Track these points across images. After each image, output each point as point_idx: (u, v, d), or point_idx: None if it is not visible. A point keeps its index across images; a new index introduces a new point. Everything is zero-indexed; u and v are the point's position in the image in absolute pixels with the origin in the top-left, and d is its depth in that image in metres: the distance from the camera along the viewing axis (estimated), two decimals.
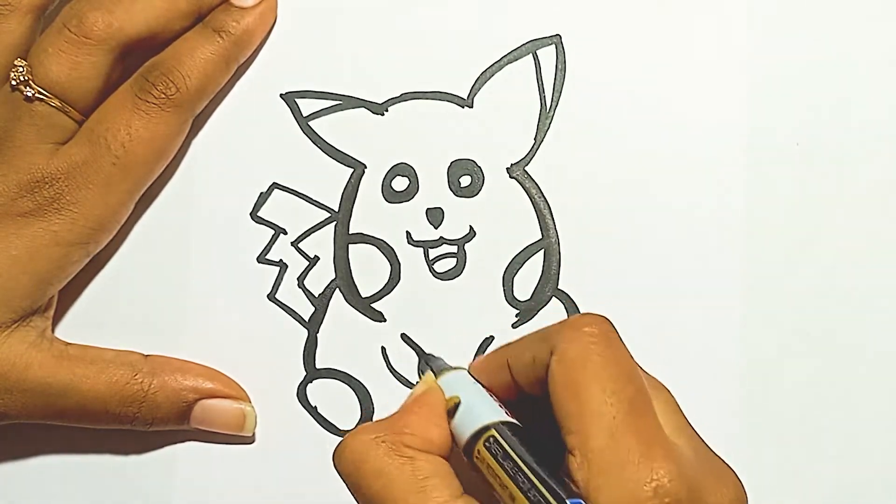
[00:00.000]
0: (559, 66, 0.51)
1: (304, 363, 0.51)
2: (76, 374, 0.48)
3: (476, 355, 0.50)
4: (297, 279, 0.51)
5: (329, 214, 0.51)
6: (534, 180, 0.51)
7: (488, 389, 0.43)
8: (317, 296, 0.51)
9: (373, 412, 0.50)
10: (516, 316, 0.50)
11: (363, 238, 0.51)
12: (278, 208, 0.51)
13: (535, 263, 0.51)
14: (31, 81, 0.47)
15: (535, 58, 0.51)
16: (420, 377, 0.46)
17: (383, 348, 0.51)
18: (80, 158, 0.47)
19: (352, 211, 0.51)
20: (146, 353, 0.50)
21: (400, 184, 0.51)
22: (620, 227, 0.50)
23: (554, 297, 0.50)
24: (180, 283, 0.51)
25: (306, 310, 0.51)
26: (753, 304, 0.50)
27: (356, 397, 0.51)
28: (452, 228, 0.51)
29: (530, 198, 0.51)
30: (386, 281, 0.51)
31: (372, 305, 0.51)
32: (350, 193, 0.51)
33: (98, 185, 0.48)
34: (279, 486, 0.50)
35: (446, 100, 0.51)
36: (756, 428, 0.49)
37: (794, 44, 0.51)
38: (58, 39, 0.47)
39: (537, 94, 0.51)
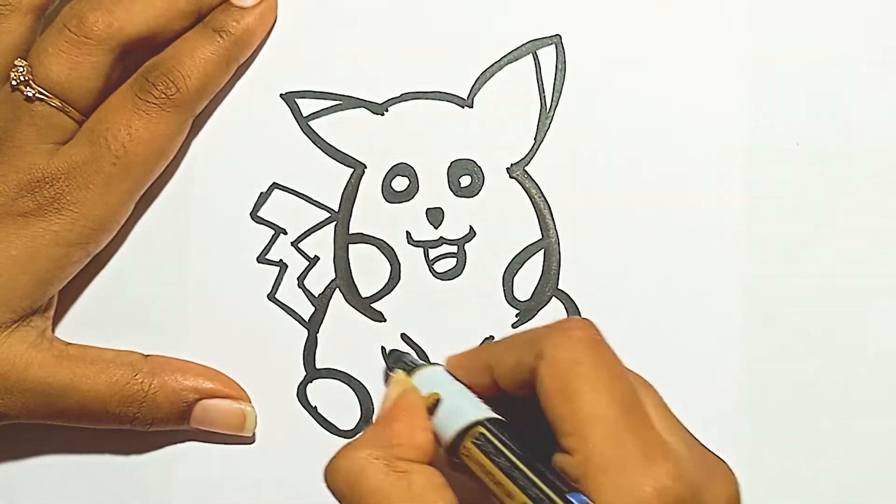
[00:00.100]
0: (559, 66, 0.51)
1: (304, 363, 0.51)
2: (76, 374, 0.48)
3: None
4: (297, 279, 0.51)
5: (329, 214, 0.51)
6: (534, 180, 0.51)
7: (468, 386, 0.43)
8: (317, 296, 0.51)
9: (373, 412, 0.50)
10: (516, 316, 0.50)
11: (363, 238, 0.51)
12: (278, 208, 0.51)
13: (535, 263, 0.51)
14: (31, 81, 0.47)
15: (535, 58, 0.51)
16: (389, 375, 0.45)
17: (383, 348, 0.51)
18: (80, 158, 0.47)
19: (352, 211, 0.51)
20: (146, 353, 0.50)
21: (400, 184, 0.51)
22: (620, 227, 0.50)
23: (554, 297, 0.50)
24: (180, 283, 0.51)
25: (306, 310, 0.51)
26: (753, 304, 0.50)
27: (356, 397, 0.51)
28: (452, 228, 0.51)
29: (530, 198, 0.51)
30: (386, 281, 0.51)
31: (372, 305, 0.51)
32: (350, 193, 0.51)
33: (98, 185, 0.48)
34: (279, 486, 0.50)
35: (446, 100, 0.51)
36: (756, 428, 0.49)
37: (794, 44, 0.51)
38: (58, 39, 0.47)
39: (537, 94, 0.51)
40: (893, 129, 0.50)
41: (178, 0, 0.49)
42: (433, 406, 0.42)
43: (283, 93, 0.51)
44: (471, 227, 0.51)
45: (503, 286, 0.50)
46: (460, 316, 0.50)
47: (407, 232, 0.51)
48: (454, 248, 0.51)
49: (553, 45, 0.51)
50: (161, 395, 0.49)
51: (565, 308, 0.50)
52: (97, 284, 0.51)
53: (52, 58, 0.47)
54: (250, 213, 0.51)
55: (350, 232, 0.51)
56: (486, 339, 0.50)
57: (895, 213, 0.50)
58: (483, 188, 0.51)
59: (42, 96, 0.47)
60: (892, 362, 0.50)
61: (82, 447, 0.50)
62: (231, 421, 0.50)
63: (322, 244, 0.51)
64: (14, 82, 0.48)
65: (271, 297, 0.51)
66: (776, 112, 0.50)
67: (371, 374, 0.50)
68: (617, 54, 0.51)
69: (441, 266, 0.51)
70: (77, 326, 0.51)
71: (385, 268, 0.51)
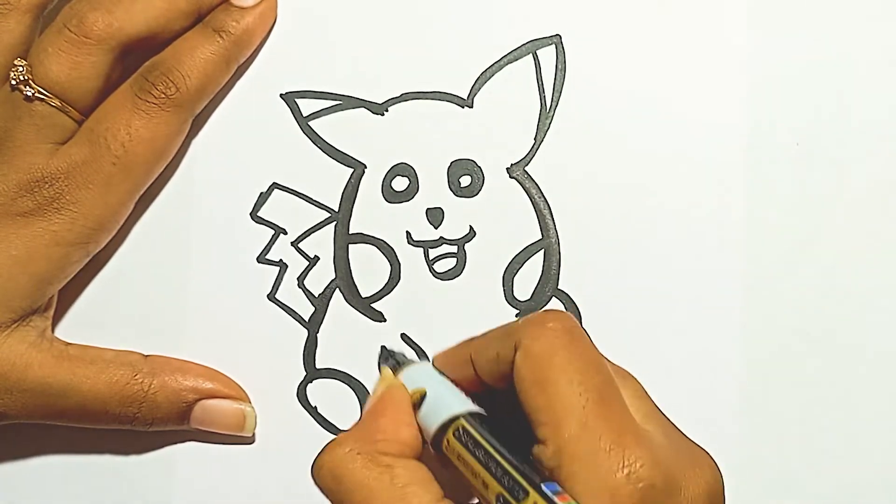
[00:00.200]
0: (559, 66, 0.51)
1: (304, 363, 0.51)
2: (76, 374, 0.48)
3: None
4: (297, 279, 0.51)
5: (329, 214, 0.51)
6: (534, 180, 0.51)
7: (453, 381, 0.43)
8: (317, 296, 0.51)
9: None
10: (516, 316, 0.50)
11: (363, 238, 0.51)
12: (278, 208, 0.51)
13: (535, 263, 0.51)
14: (30, 81, 0.47)
15: (535, 58, 0.51)
16: (379, 371, 0.46)
17: (383, 348, 0.51)
18: (79, 158, 0.47)
19: (352, 211, 0.51)
20: (146, 353, 0.50)
21: (400, 184, 0.51)
22: (620, 227, 0.50)
23: (554, 297, 0.50)
24: (180, 283, 0.51)
25: (306, 310, 0.51)
26: (753, 304, 0.50)
27: (356, 397, 0.51)
28: (452, 228, 0.51)
29: (530, 198, 0.51)
30: (386, 281, 0.51)
31: (372, 305, 0.51)
32: (350, 193, 0.51)
33: (98, 185, 0.48)
34: (279, 486, 0.50)
35: (446, 100, 0.51)
36: (756, 428, 0.49)
37: (794, 44, 0.51)
38: (58, 39, 0.47)
39: (537, 94, 0.51)
40: (893, 129, 0.50)
41: (178, 0, 0.49)
42: (419, 401, 0.42)
43: (283, 93, 0.51)
44: (471, 227, 0.51)
45: (503, 286, 0.51)
46: (460, 316, 0.50)
47: (407, 232, 0.51)
48: (454, 248, 0.51)
49: (553, 45, 0.51)
50: (161, 396, 0.49)
51: (565, 308, 0.50)
52: (97, 284, 0.51)
53: (51, 57, 0.47)
54: (250, 213, 0.51)
55: (350, 232, 0.51)
56: None
57: (895, 213, 0.50)
58: (483, 188, 0.51)
59: (42, 96, 0.47)
60: (892, 362, 0.50)
61: (82, 447, 0.50)
62: (231, 421, 0.50)
63: (322, 244, 0.51)
64: (14, 82, 0.47)
65: (271, 297, 0.51)
66: (776, 112, 0.50)
67: (371, 374, 0.50)
68: (617, 54, 0.51)
69: (441, 266, 0.51)
70: (77, 326, 0.51)
71: (385, 268, 0.51)
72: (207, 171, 0.51)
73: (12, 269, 0.47)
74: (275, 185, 0.51)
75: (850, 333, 0.50)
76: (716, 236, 0.50)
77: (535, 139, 0.51)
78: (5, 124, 0.48)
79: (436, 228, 0.51)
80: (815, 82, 0.50)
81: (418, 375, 0.44)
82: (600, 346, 0.41)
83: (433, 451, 0.42)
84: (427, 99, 0.51)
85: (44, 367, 0.48)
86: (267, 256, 0.51)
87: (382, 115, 0.51)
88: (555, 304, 0.50)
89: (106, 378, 0.48)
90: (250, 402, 0.50)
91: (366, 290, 0.51)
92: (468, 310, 0.50)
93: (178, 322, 0.51)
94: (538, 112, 0.51)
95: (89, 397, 0.48)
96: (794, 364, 0.50)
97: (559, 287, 0.50)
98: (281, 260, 0.51)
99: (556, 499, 0.37)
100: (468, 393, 0.43)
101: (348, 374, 0.51)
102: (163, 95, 0.48)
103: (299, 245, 0.51)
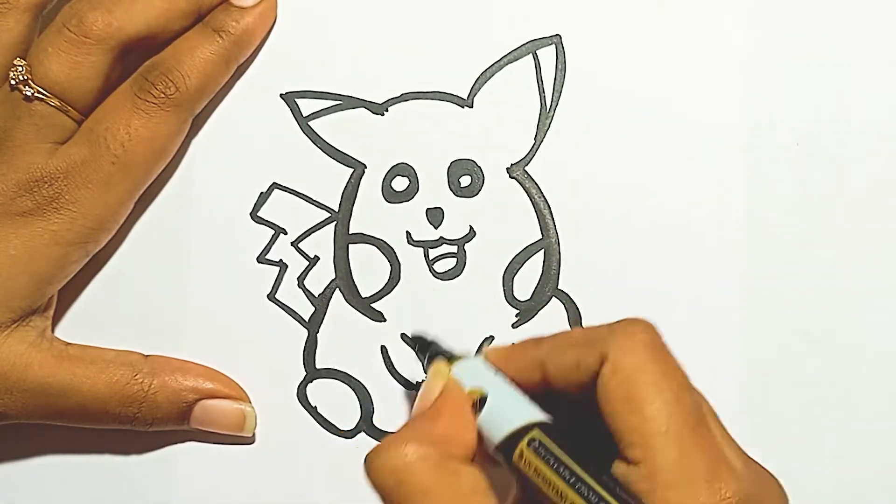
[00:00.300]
0: (559, 66, 0.51)
1: (304, 363, 0.51)
2: (76, 374, 0.48)
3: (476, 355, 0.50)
4: (297, 279, 0.51)
5: (329, 214, 0.51)
6: (534, 180, 0.51)
7: (511, 381, 0.42)
8: (317, 296, 0.51)
9: (373, 412, 0.50)
10: (516, 316, 0.50)
11: (363, 238, 0.51)
12: (278, 208, 0.51)
13: (535, 263, 0.51)
14: (30, 81, 0.47)
15: (535, 58, 0.51)
16: (424, 365, 0.45)
17: (383, 348, 0.51)
18: (79, 158, 0.47)
19: (352, 211, 0.51)
20: (146, 353, 0.50)
21: (400, 184, 0.51)
22: (620, 227, 0.50)
23: (554, 297, 0.50)
24: (180, 283, 0.51)
25: (306, 310, 0.51)
26: (753, 304, 0.50)
27: (356, 397, 0.50)
28: (452, 228, 0.51)
29: (530, 198, 0.51)
30: (386, 281, 0.51)
31: (372, 305, 0.51)
32: (350, 193, 0.51)
33: (97, 185, 0.48)
34: (279, 486, 0.50)
35: (446, 100, 0.51)
36: (756, 428, 0.49)
37: (794, 44, 0.51)
38: (57, 39, 0.47)
39: (537, 94, 0.51)
40: (893, 129, 0.50)
41: (177, 0, 0.49)
42: (478, 403, 0.41)
43: (283, 93, 0.51)
44: (471, 227, 0.51)
45: (503, 286, 0.50)
46: (460, 316, 0.50)
47: (407, 232, 0.51)
48: (454, 248, 0.51)
49: (553, 45, 0.51)
50: (161, 396, 0.49)
51: (565, 308, 0.50)
52: (97, 284, 0.51)
53: (51, 57, 0.47)
54: (250, 213, 0.51)
55: (350, 232, 0.51)
56: (486, 339, 0.50)
57: (895, 213, 0.50)
58: (483, 188, 0.51)
59: (41, 96, 0.47)
60: (892, 362, 0.50)
61: (82, 447, 0.50)
62: (231, 421, 0.50)
63: (322, 244, 0.51)
64: (13, 82, 0.47)
65: (271, 297, 0.51)
66: (776, 112, 0.50)
67: (371, 374, 0.50)
68: (617, 54, 0.51)
69: (441, 266, 0.51)
70: (77, 326, 0.51)
71: (385, 268, 0.51)
72: (207, 171, 0.51)
73: (12, 269, 0.47)
74: (275, 185, 0.51)
75: (850, 333, 0.50)
76: (716, 236, 0.50)
77: (534, 139, 0.51)
78: (5, 124, 0.48)
79: (436, 228, 0.51)
80: (815, 82, 0.50)
81: (472, 373, 0.42)
82: None
83: (500, 459, 0.40)
84: (427, 99, 0.51)
85: (44, 367, 0.48)
86: (267, 256, 0.51)
87: (382, 115, 0.51)
88: (555, 304, 0.50)
89: (106, 378, 0.48)
90: (250, 402, 0.50)
91: (366, 290, 0.51)
92: (468, 310, 0.50)
93: (178, 322, 0.51)
94: (538, 112, 0.51)
95: (89, 397, 0.48)
96: (794, 364, 0.50)
97: (559, 287, 0.50)
98: (281, 260, 0.51)
99: None
100: (528, 394, 0.41)
101: (348, 374, 0.51)
102: (162, 95, 0.48)
103: (299, 245, 0.51)
